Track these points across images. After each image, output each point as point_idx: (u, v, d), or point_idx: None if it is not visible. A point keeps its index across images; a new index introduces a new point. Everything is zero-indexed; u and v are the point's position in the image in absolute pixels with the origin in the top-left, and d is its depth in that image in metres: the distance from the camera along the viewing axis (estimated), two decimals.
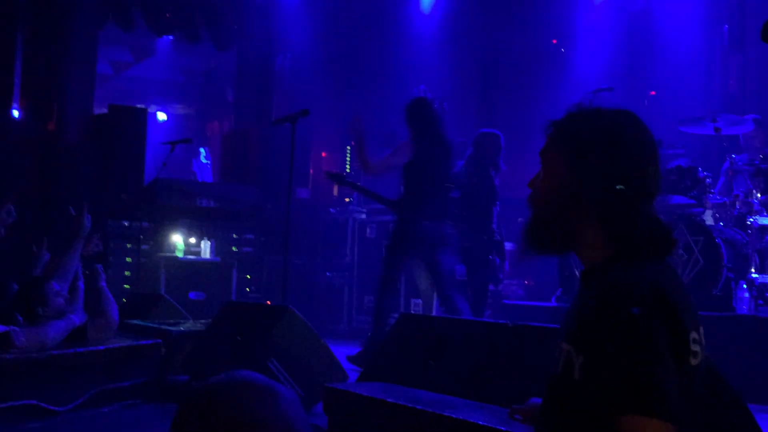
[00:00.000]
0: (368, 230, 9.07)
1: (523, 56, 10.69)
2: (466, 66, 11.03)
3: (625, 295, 1.49)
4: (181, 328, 5.56)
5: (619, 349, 1.44)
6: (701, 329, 1.57)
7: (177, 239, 8.65)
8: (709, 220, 6.52)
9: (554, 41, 10.85)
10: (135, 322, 5.80)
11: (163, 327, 5.53)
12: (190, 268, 8.44)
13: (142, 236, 7.77)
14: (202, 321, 5.96)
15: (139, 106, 10.07)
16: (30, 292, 4.42)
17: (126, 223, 8.44)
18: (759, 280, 6.00)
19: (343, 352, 6.74)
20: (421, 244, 6.11)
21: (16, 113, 9.51)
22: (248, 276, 9.19)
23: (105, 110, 9.46)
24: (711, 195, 6.57)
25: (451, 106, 8.51)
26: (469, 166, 7.11)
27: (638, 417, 1.40)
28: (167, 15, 10.75)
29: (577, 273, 6.76)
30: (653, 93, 9.22)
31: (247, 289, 9.13)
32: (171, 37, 12.51)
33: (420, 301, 7.96)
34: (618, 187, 1.62)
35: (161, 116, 16.36)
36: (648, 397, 1.41)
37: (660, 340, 1.45)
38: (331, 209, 10.03)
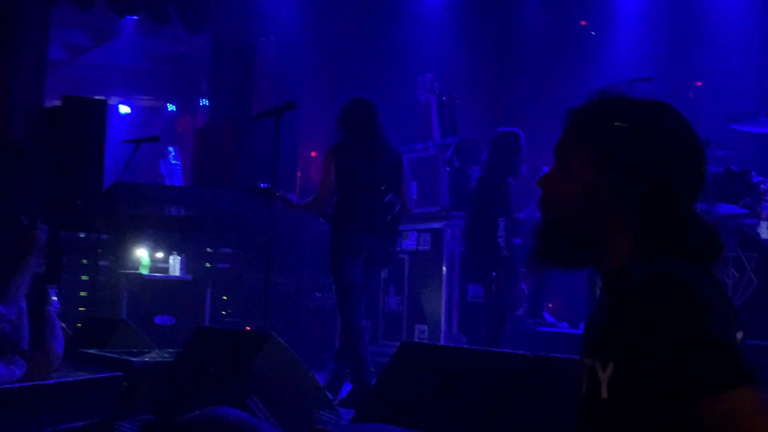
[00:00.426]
0: None
1: (547, 40, 10.71)
2: (481, 51, 11.05)
3: (656, 284, 1.49)
4: (146, 359, 5.55)
5: (673, 329, 1.44)
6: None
7: (141, 254, 8.65)
8: (764, 233, 6.52)
9: (583, 23, 10.88)
10: (91, 351, 5.79)
11: (124, 357, 5.52)
12: (156, 288, 8.44)
13: (100, 250, 7.78)
14: (170, 350, 5.95)
15: (98, 97, 10.07)
16: None
17: (82, 235, 8.44)
18: None
19: None
20: (356, 256, 6.31)
21: None
22: (224, 297, 9.18)
23: (58, 102, 9.47)
24: (766, 203, 6.56)
25: (463, 98, 8.53)
26: (484, 172, 7.12)
27: (737, 390, 1.40)
28: None
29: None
30: (699, 84, 9.23)
31: (224, 312, 9.13)
32: (135, 18, 12.52)
33: (425, 327, 7.97)
34: (654, 189, 1.64)
35: (124, 109, 16.39)
36: (735, 362, 1.42)
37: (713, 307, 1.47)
38: (321, 219, 10.03)
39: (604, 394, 1.53)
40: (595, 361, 1.56)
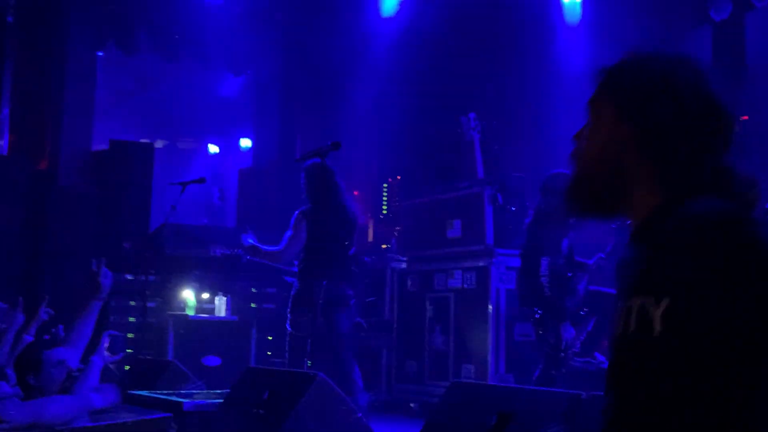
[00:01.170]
0: (409, 282, 9.06)
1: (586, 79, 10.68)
2: (524, 88, 11.05)
3: (711, 216, 1.51)
4: (195, 400, 5.57)
5: (736, 261, 1.44)
6: None
7: (187, 295, 8.71)
8: None
9: None
10: (140, 393, 5.82)
11: (174, 398, 5.55)
12: (202, 329, 8.49)
13: (147, 292, 7.84)
14: (218, 391, 5.97)
15: (144, 140, 10.23)
16: (21, 358, 4.46)
17: (129, 277, 8.53)
18: None
19: (382, 426, 6.70)
20: (314, 306, 6.65)
21: (1, 151, 9.73)
22: (270, 337, 9.21)
23: (105, 146, 9.63)
24: None
25: (507, 135, 8.54)
26: (533, 213, 7.13)
27: None
28: (176, 36, 10.95)
29: None
30: (746, 118, 9.15)
31: (269, 352, 9.15)
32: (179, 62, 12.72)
33: (472, 366, 7.93)
34: (671, 138, 1.67)
35: (169, 150, 16.55)
36: None
37: None
38: (365, 257, 10.04)
39: (657, 329, 1.51)
40: (647, 298, 1.55)
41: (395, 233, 10.03)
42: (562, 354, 7.12)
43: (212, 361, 8.36)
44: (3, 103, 10.08)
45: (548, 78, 10.71)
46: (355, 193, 11.97)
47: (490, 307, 7.71)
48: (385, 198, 10.82)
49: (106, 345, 4.88)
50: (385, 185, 10.77)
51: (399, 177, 10.67)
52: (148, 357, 7.53)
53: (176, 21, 10.88)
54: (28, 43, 9.94)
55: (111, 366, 5.47)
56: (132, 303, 8.51)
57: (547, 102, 10.94)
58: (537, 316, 6.93)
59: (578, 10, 10.67)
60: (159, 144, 15.59)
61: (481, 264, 8.01)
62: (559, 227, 7.00)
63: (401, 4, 10.95)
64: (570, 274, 7.13)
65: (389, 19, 11.11)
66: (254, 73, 11.99)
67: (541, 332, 6.93)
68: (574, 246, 7.21)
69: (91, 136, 9.88)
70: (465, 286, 8.17)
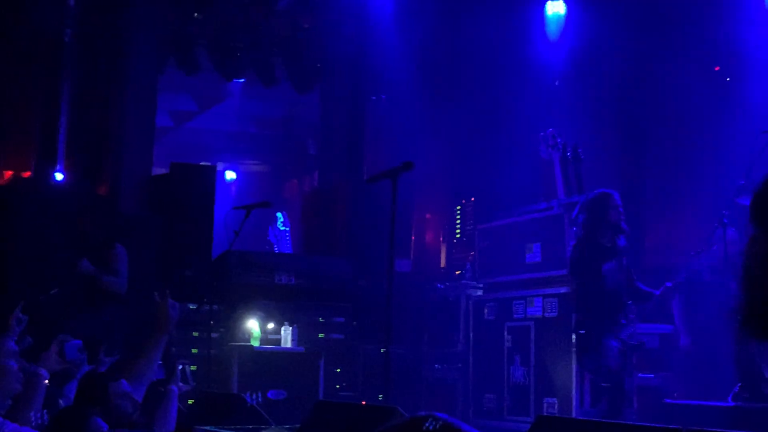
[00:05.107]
0: (486, 310, 9.00)
1: (678, 88, 10.55)
2: (606, 103, 10.95)
3: None
4: None
5: None
6: None
7: (252, 325, 8.76)
8: None
9: (717, 68, 10.69)
10: (208, 428, 5.84)
11: None
12: (268, 361, 8.52)
13: (211, 322, 7.89)
14: (287, 426, 5.96)
15: (205, 163, 10.34)
16: (85, 391, 4.49)
17: (192, 306, 8.59)
18: None
19: None
20: None
21: (59, 176, 9.90)
22: (338, 369, 9.20)
23: (166, 169, 9.74)
24: None
25: (589, 153, 8.45)
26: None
27: None
28: (238, 54, 11.08)
29: (762, 363, 6.57)
30: None
31: (338, 385, 9.14)
32: (242, 81, 12.86)
33: (555, 400, 7.83)
34: None
35: (230, 175, 16.75)
36: None
37: None
38: (438, 284, 10.02)
39: None
40: None
41: (470, 258, 9.98)
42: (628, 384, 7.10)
43: (278, 394, 8.37)
44: (60, 127, 10.26)
45: (636, 91, 10.62)
46: (428, 216, 11.96)
47: (574, 336, 7.60)
48: (458, 221, 10.76)
49: (180, 374, 4.92)
50: (458, 207, 10.72)
51: (473, 199, 10.62)
52: (214, 391, 7.56)
53: (239, 38, 11.01)
54: (86, 63, 10.12)
55: (180, 405, 5.50)
56: (195, 334, 8.57)
57: (635, 115, 10.82)
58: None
59: None
60: (220, 166, 15.79)
61: (562, 290, 7.92)
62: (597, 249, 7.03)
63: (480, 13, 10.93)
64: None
65: (462, 32, 11.12)
66: (321, 92, 12.05)
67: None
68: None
69: (152, 160, 10.00)
70: (546, 314, 8.08)
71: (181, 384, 5.00)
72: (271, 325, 8.92)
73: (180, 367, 4.94)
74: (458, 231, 10.73)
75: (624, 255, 7.14)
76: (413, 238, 11.32)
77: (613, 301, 7.00)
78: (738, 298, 1.75)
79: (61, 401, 5.10)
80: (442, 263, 11.29)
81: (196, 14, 10.81)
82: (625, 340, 6.96)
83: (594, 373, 7.16)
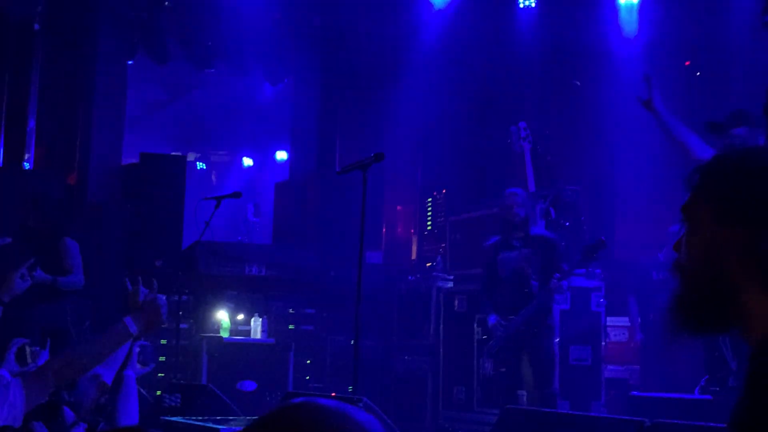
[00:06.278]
0: (456, 302, 9.04)
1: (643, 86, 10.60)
2: (575, 98, 11.02)
3: None
4: (232, 427, 5.60)
5: None
6: None
7: (222, 316, 8.77)
8: None
9: (687, 63, 10.78)
10: (175, 419, 5.87)
11: (209, 425, 5.58)
12: (237, 352, 8.54)
13: (180, 312, 7.89)
14: (255, 417, 5.99)
15: (175, 153, 10.32)
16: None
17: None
18: None
19: None
20: None
21: (27, 165, 9.86)
22: (308, 361, 9.24)
23: (135, 159, 9.72)
24: None
25: (560, 147, 8.52)
26: None
27: None
28: (209, 44, 11.05)
29: (727, 355, 6.63)
30: None
31: (307, 377, 9.18)
32: (212, 71, 12.83)
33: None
34: None
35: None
36: None
37: None
38: (409, 276, 10.05)
39: None
40: None
41: (440, 250, 10.02)
42: None
43: (248, 385, 8.40)
44: (29, 115, 10.22)
45: (604, 86, 10.67)
46: (398, 208, 12.00)
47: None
48: (429, 213, 10.80)
49: (136, 357, 4.87)
50: (429, 199, 10.75)
51: (444, 191, 10.66)
52: (182, 381, 7.58)
53: (209, 27, 10.98)
54: (56, 51, 10.08)
55: (143, 391, 5.50)
56: (164, 324, 8.56)
57: (604, 110, 10.89)
58: None
59: (635, 17, 10.63)
60: (191, 157, 15.73)
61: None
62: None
63: (448, 6, 10.95)
64: None
65: (432, 26, 11.14)
66: (292, 82, 12.05)
67: None
68: None
69: (121, 150, 9.98)
70: None
71: (138, 366, 4.95)
72: (240, 316, 8.94)
73: (137, 349, 4.89)
74: (429, 223, 10.75)
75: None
76: (384, 229, 11.36)
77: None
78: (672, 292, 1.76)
79: None
80: (413, 255, 11.32)
81: (166, 2, 10.77)
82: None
83: None
